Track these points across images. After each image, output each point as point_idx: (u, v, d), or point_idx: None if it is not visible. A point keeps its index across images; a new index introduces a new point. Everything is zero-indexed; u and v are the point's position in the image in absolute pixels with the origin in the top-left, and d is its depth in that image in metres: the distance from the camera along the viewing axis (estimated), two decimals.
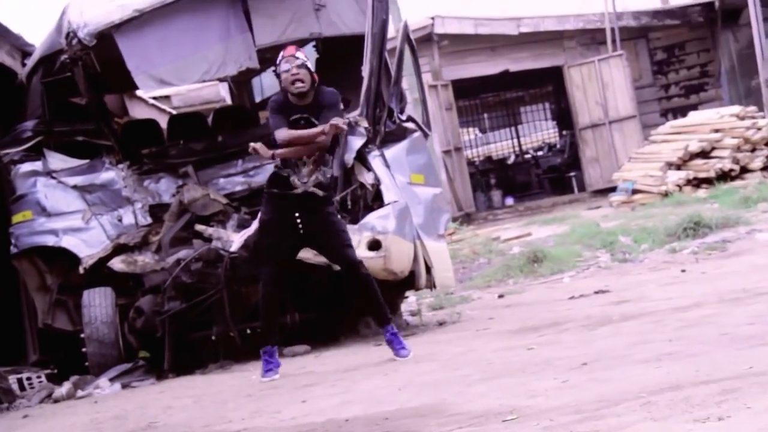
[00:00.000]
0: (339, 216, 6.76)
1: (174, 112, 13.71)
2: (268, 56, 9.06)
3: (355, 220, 7.65)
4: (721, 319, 5.96)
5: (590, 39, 19.06)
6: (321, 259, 6.93)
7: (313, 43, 8.92)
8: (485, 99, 25.04)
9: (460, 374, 5.44)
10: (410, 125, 8.25)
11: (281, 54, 6.40)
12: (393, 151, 8.08)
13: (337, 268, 6.76)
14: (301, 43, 8.70)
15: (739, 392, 3.76)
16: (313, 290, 7.65)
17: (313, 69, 6.41)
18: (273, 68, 10.43)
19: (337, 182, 7.65)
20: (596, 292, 8.51)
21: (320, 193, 6.35)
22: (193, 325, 7.70)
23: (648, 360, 4.88)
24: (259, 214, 6.80)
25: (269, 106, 6.51)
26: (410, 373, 5.79)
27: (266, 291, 6.39)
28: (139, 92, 12.12)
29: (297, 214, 6.34)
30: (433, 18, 18.11)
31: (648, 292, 8.05)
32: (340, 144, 7.08)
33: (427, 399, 4.88)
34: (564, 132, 21.34)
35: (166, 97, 15.54)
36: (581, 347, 5.72)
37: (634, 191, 15.21)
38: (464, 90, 20.34)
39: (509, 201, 20.16)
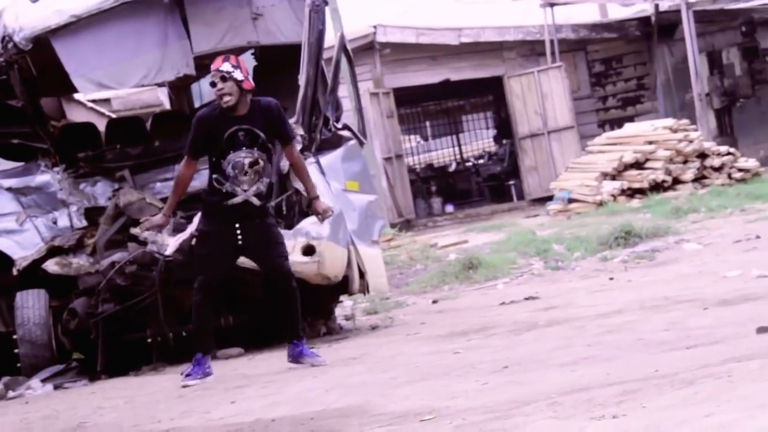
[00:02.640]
0: (277, 227, 6.80)
1: (113, 115, 13.70)
2: (206, 62, 9.14)
3: (290, 226, 7.75)
4: (640, 325, 6.18)
5: (530, 50, 19.34)
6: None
7: (252, 50, 9.01)
8: (427, 107, 25.25)
9: (388, 376, 5.58)
10: (346, 133, 8.39)
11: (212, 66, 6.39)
12: (328, 159, 8.20)
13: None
14: (238, 51, 8.80)
15: (639, 393, 3.96)
16: (246, 293, 7.74)
17: (250, 76, 6.47)
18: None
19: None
20: (526, 299, 8.70)
21: (257, 202, 6.38)
22: (127, 327, 7.75)
23: (566, 364, 5.06)
24: (197, 223, 6.86)
25: (194, 120, 6.51)
26: (339, 375, 5.92)
27: (199, 299, 6.42)
28: (77, 96, 12.12)
29: (237, 225, 6.35)
30: (375, 27, 18.26)
31: (575, 299, 8.27)
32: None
33: (352, 400, 5.02)
34: (504, 141, 21.60)
35: (106, 100, 15.52)
36: (505, 351, 5.89)
37: (571, 200, 15.49)
38: (406, 98, 20.54)
39: (449, 208, 20.35)
